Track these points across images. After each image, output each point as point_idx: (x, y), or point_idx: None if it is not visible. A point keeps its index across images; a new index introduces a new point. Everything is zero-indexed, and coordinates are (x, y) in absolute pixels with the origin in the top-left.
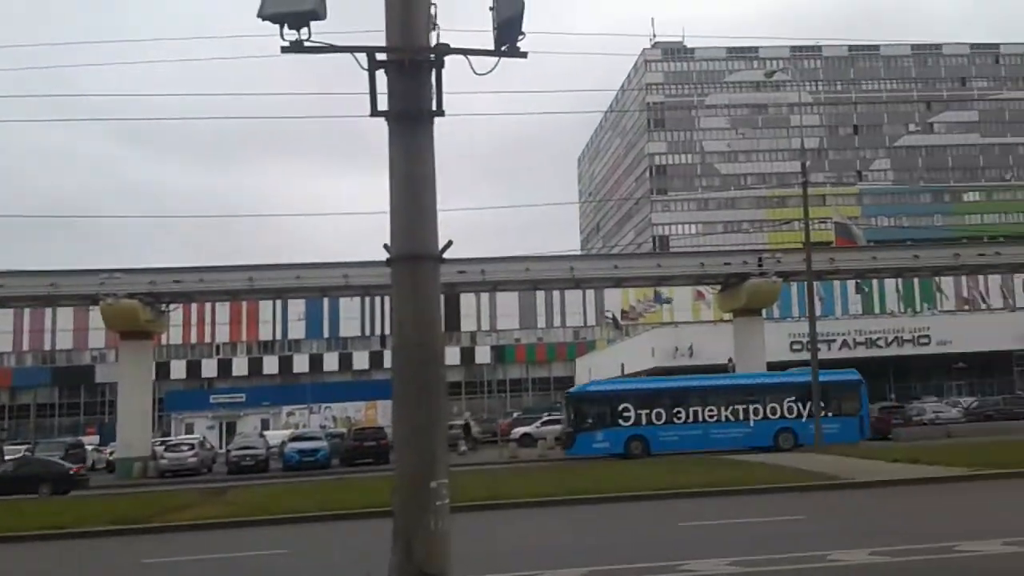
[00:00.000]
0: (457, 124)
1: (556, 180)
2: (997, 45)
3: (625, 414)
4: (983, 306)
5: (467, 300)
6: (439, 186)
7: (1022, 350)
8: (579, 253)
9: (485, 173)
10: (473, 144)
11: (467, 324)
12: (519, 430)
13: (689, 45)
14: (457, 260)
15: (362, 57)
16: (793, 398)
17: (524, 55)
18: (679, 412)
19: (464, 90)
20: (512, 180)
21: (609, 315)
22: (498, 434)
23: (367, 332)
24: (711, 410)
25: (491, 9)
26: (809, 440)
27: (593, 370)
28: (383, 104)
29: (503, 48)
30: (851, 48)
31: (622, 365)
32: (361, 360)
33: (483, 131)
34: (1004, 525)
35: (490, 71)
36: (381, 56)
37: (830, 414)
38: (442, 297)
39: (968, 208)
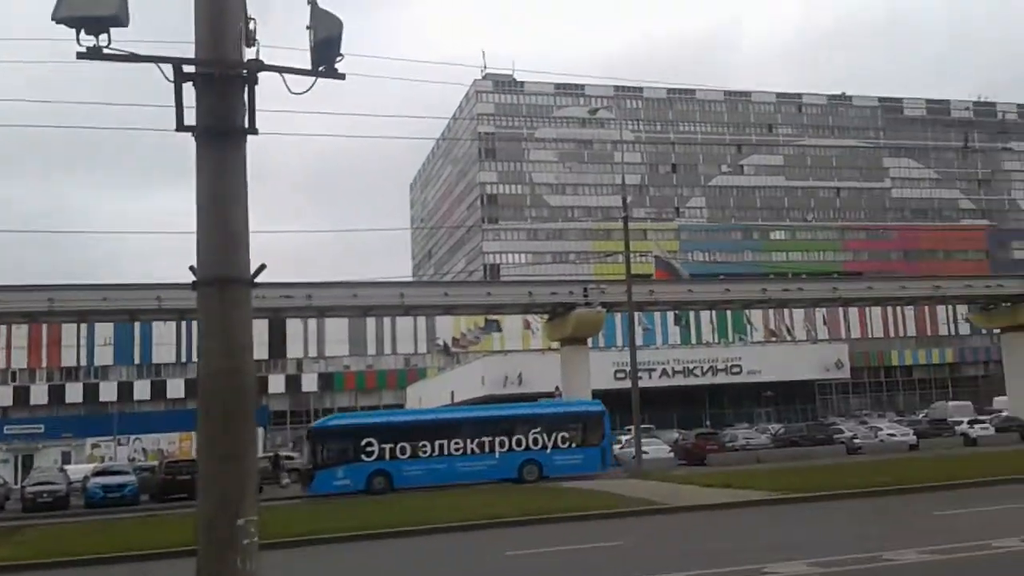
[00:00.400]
0: (290, 146)
1: (388, 206)
2: (800, 95)
3: (368, 449)
4: (788, 338)
5: (294, 326)
6: (263, 207)
7: (824, 379)
8: (409, 280)
9: (318, 197)
10: (306, 167)
11: (293, 350)
12: None
13: (519, 79)
14: (282, 284)
15: (168, 69)
16: (538, 429)
17: (342, 77)
18: (424, 446)
19: (301, 110)
20: (344, 205)
21: (440, 342)
22: None
23: (183, 358)
24: (457, 443)
25: (308, 28)
26: (554, 471)
27: (424, 398)
28: (191, 119)
29: (320, 68)
30: (669, 91)
31: (452, 393)
32: (176, 388)
33: (316, 154)
34: (809, 547)
35: (306, 91)
36: (189, 68)
37: (573, 445)
38: (266, 323)
39: (775, 246)
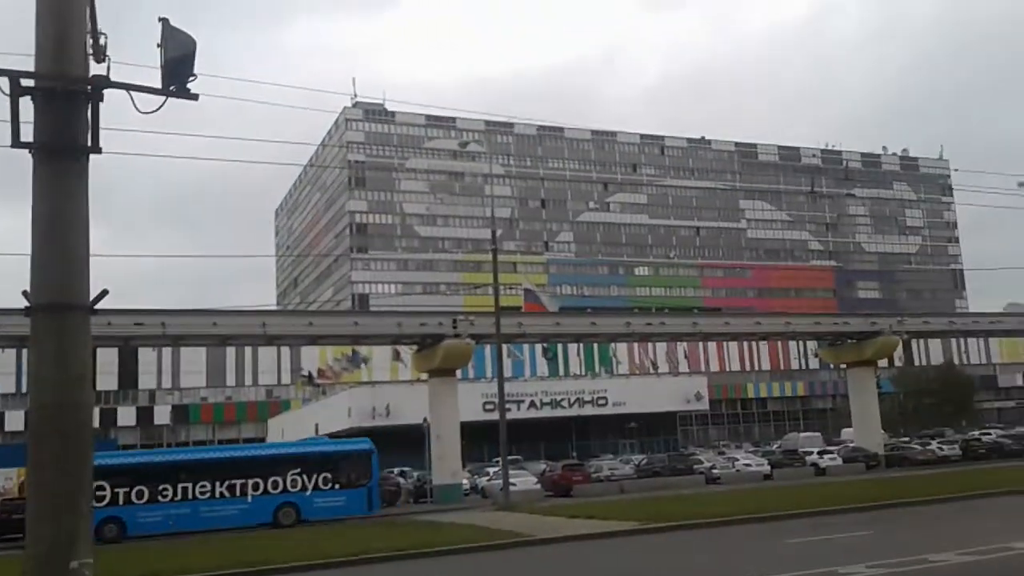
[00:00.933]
0: (150, 168)
1: (251, 233)
2: (662, 137)
3: (99, 493)
4: (652, 371)
5: (147, 355)
6: (117, 229)
7: (685, 411)
8: (273, 308)
9: (180, 222)
10: (169, 190)
11: (146, 381)
12: None
13: (390, 108)
14: (134, 311)
15: (4, 82)
16: (298, 471)
17: (194, 97)
18: (165, 489)
19: (159, 131)
20: (206, 231)
21: (305, 373)
22: None
23: (23, 389)
24: (204, 486)
25: (158, 46)
26: (313, 514)
27: (286, 430)
28: (30, 135)
29: (171, 88)
30: (539, 128)
31: (316, 425)
32: (15, 420)
33: (178, 178)
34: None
35: (155, 110)
36: (28, 82)
37: (338, 486)
38: (116, 352)
39: (639, 281)
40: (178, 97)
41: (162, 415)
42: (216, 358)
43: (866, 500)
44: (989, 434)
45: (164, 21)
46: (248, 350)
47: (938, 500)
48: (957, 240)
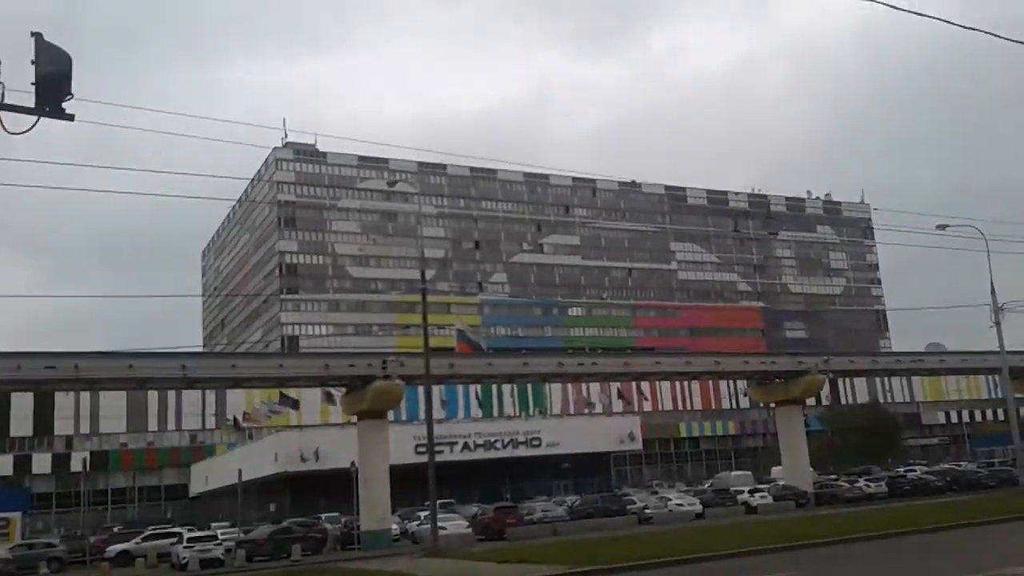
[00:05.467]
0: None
1: (174, 273)
2: (594, 180)
3: None
4: (586, 411)
5: (63, 400)
6: (45, 271)
7: (618, 451)
8: (194, 350)
9: (103, 262)
10: (90, 229)
11: (62, 427)
12: (116, 547)
13: (321, 148)
14: (46, 354)
15: None
16: None
17: (70, 118)
18: None
19: (71, 163)
20: (128, 271)
21: (230, 418)
22: (87, 553)
23: None
24: None
25: (33, 63)
26: None
27: (210, 477)
28: None
29: (45, 108)
30: (472, 169)
31: (240, 471)
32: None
33: (101, 216)
34: None
35: (27, 131)
36: None
37: None
38: (30, 396)
39: (573, 322)
40: (52, 117)
41: (79, 462)
42: (137, 402)
43: (797, 539)
44: (914, 471)
45: (37, 36)
46: (171, 393)
47: (864, 539)
48: (879, 282)
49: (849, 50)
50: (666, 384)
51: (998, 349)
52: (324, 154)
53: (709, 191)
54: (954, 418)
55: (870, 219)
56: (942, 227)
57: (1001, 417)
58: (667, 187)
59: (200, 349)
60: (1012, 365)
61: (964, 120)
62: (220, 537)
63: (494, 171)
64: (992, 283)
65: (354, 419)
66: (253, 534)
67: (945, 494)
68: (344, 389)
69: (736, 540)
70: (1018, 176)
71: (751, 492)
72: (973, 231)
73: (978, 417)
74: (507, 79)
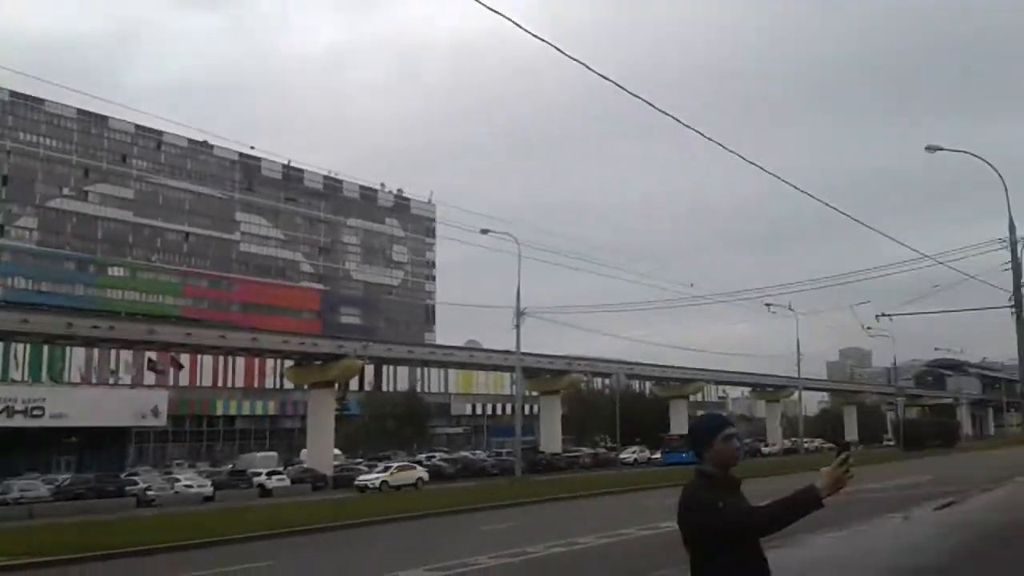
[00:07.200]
0: None
1: None
2: (161, 133)
3: None
4: (110, 381)
5: None
6: None
7: (140, 426)
8: None
9: None
10: None
11: None
12: None
13: None
14: None
15: None
16: None
17: None
18: None
19: None
20: None
21: None
22: None
23: None
24: None
25: None
26: None
27: None
28: None
29: None
30: (14, 94)
31: None
32: None
33: None
34: None
35: None
36: None
37: None
38: None
39: (113, 282)
40: None
41: None
42: None
43: (300, 523)
44: (433, 457)
45: None
46: None
47: (359, 524)
48: (434, 278)
49: (440, 60)
50: (209, 358)
51: (515, 349)
52: None
53: (285, 166)
54: (479, 410)
55: (434, 219)
56: (484, 231)
57: None
58: (241, 154)
59: None
60: (525, 365)
61: (527, 140)
62: None
63: (42, 100)
64: (519, 288)
65: None
66: None
67: (456, 480)
68: None
69: (232, 526)
70: (557, 196)
71: (269, 475)
72: (511, 240)
73: (499, 410)
74: (92, 9)
